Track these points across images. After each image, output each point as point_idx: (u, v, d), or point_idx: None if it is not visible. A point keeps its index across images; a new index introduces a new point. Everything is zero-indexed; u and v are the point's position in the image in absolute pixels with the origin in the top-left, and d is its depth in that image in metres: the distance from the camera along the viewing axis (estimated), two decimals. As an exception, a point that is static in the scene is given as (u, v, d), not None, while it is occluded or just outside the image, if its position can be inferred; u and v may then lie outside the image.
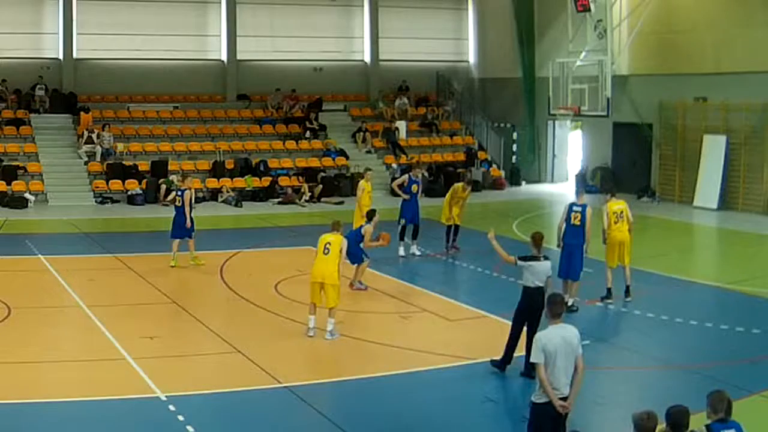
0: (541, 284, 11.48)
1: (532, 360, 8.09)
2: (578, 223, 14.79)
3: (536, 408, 8.11)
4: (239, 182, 29.25)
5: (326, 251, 13.09)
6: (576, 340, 8.14)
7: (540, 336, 8.15)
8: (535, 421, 8.16)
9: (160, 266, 18.45)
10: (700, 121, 27.73)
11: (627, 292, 15.47)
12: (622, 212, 15.48)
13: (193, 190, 18.80)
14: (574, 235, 14.85)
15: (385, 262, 18.22)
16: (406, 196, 19.86)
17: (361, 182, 19.69)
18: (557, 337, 8.02)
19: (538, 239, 11.93)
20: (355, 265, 16.37)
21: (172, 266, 17.93)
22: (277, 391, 10.96)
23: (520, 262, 11.61)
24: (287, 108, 32.85)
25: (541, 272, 11.51)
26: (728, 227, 24.76)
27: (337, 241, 13.22)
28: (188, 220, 18.05)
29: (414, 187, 19.98)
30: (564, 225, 15.03)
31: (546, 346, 7.96)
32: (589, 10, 29.30)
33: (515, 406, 11.07)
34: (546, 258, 11.79)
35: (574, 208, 14.97)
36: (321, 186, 29.38)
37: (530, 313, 11.46)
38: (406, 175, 20.57)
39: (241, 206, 27.52)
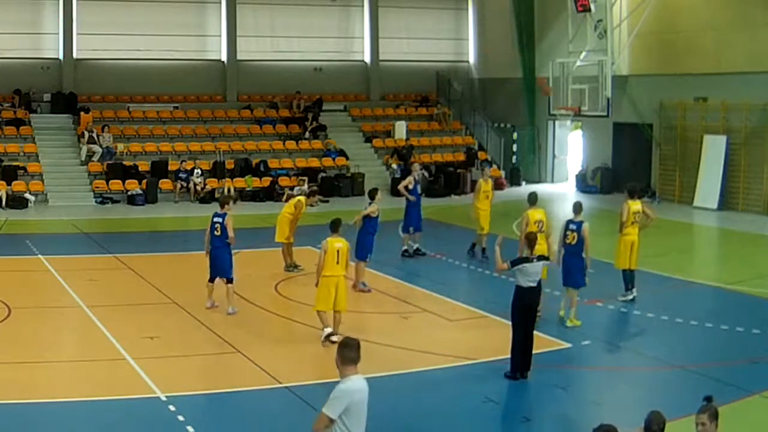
0: (533, 284, 11.50)
1: (331, 416, 6.55)
2: (574, 242, 14.10)
3: None
4: (239, 182, 29.26)
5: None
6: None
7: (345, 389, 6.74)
8: None
9: (160, 266, 18.47)
10: (700, 121, 27.74)
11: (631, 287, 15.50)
12: (637, 214, 15.46)
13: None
14: (570, 252, 14.23)
15: (385, 263, 18.22)
16: (412, 198, 19.41)
17: (480, 181, 19.69)
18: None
19: (532, 239, 11.94)
20: (357, 262, 16.36)
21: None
22: (277, 391, 10.95)
23: (513, 268, 11.57)
24: (296, 105, 32.98)
25: (533, 273, 11.51)
26: (728, 227, 24.77)
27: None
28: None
29: (419, 188, 19.62)
30: (561, 242, 14.40)
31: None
32: (589, 10, 29.30)
33: (515, 406, 11.08)
34: (540, 259, 11.79)
35: (570, 226, 14.21)
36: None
37: (524, 312, 11.45)
38: (411, 176, 19.78)
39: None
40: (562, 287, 14.46)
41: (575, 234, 14.09)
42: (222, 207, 14.71)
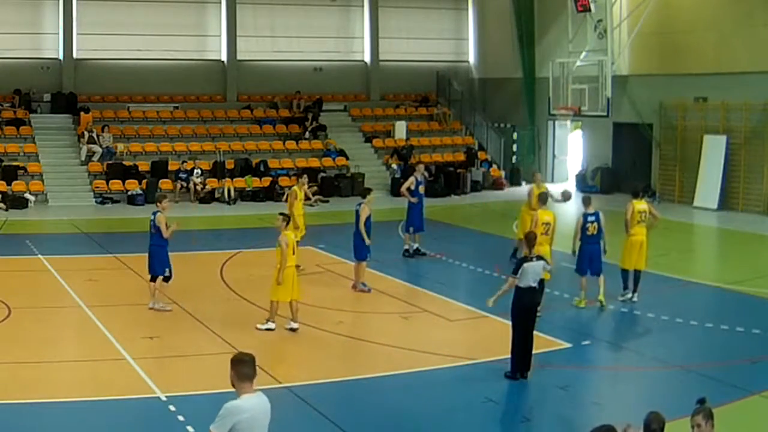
0: (534, 285, 11.51)
1: None
2: (595, 232, 14.91)
3: None
4: (239, 182, 29.26)
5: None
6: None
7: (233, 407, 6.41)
8: None
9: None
10: (700, 121, 27.75)
11: (634, 290, 15.52)
12: (644, 213, 15.47)
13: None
14: (591, 242, 14.93)
15: (386, 263, 18.22)
16: (414, 199, 19.35)
17: (532, 186, 18.91)
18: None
19: (531, 239, 12.00)
20: (357, 262, 16.34)
21: None
22: (277, 391, 10.93)
23: (516, 276, 11.48)
24: (296, 105, 33.00)
25: (533, 273, 11.51)
26: (728, 227, 24.77)
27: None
28: None
29: (421, 189, 19.56)
30: (580, 234, 15.02)
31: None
32: (589, 10, 29.31)
33: (516, 406, 11.08)
34: (539, 258, 11.82)
35: (589, 218, 14.94)
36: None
37: (524, 312, 11.47)
38: (413, 177, 19.64)
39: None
40: (580, 278, 15.01)
41: (596, 224, 14.91)
42: (156, 205, 15.14)
